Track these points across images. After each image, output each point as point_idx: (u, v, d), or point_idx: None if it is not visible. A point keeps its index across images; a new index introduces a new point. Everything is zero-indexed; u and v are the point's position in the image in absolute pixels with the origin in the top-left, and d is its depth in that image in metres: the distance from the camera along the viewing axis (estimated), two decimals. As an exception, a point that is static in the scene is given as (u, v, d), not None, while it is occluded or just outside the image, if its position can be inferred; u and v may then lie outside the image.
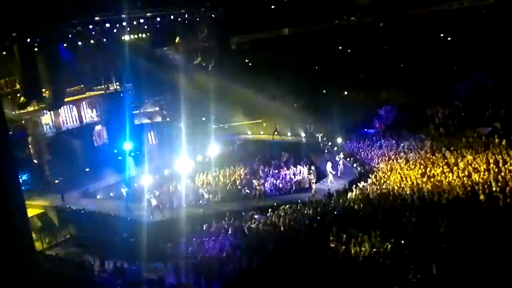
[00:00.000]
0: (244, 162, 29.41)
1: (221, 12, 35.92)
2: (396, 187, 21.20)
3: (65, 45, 29.84)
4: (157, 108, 36.99)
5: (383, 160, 26.11)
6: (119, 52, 32.69)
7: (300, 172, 26.08)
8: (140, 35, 33.74)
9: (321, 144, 32.35)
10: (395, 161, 25.33)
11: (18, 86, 28.40)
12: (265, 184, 24.60)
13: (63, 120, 32.44)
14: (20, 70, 26.88)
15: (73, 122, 33.19)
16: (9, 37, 25.80)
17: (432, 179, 21.29)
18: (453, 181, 20.46)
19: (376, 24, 43.14)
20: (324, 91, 41.69)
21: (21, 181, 20.52)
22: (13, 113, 28.32)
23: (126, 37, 32.70)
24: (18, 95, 28.42)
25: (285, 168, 27.22)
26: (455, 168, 22.08)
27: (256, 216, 20.20)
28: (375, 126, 33.99)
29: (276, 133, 36.41)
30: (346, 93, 41.62)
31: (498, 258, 13.55)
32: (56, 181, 28.91)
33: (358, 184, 23.23)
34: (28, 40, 26.21)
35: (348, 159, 27.65)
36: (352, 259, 15.36)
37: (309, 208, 20.13)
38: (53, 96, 28.07)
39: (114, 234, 22.47)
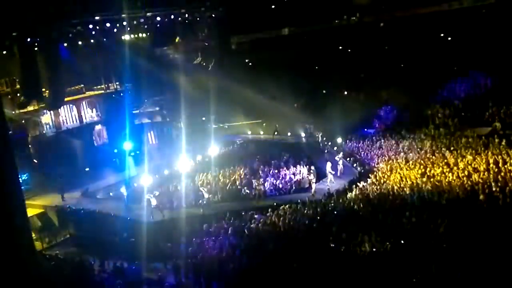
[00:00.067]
0: (244, 162, 29.34)
1: (221, 12, 35.87)
2: (396, 187, 21.20)
3: (65, 44, 29.83)
4: (157, 108, 37.03)
5: (383, 160, 26.10)
6: (119, 52, 32.57)
7: (300, 172, 26.04)
8: (140, 35, 33.71)
9: (321, 144, 32.31)
10: (395, 161, 25.33)
11: (18, 86, 28.41)
12: (265, 184, 24.54)
13: (63, 120, 32.39)
14: (20, 70, 26.89)
15: (73, 121, 33.12)
16: (9, 37, 25.83)
17: (432, 179, 21.30)
18: (453, 181, 20.49)
19: (376, 24, 43.22)
20: (324, 91, 41.74)
21: (21, 181, 20.47)
22: (13, 112, 28.31)
23: (126, 37, 32.66)
24: (18, 94, 28.42)
25: (285, 168, 27.17)
26: (455, 168, 22.11)
27: (256, 216, 20.22)
28: (375, 126, 33.95)
29: (276, 133, 36.33)
30: (346, 93, 41.56)
31: (498, 258, 13.57)
32: (56, 181, 28.88)
33: (358, 184, 23.25)
34: (28, 40, 26.19)
35: (348, 159, 27.61)
36: (352, 259, 15.35)
37: (309, 208, 20.15)
38: (53, 95, 28.07)
39: (114, 234, 22.47)
